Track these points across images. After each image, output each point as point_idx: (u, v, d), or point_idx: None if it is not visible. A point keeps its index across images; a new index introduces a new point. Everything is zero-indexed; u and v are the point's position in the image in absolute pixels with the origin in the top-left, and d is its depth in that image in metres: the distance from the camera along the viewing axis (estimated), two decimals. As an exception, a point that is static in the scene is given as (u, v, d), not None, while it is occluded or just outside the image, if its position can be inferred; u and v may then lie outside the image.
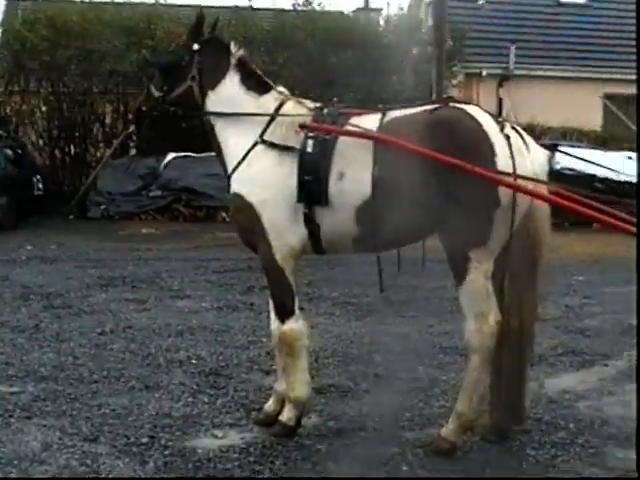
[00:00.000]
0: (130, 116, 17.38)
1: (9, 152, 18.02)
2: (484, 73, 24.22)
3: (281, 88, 5.51)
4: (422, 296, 9.88)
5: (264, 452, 5.01)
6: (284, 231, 5.10)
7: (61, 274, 11.31)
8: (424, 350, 7.39)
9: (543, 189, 4.86)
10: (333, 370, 6.75)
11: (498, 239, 4.76)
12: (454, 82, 22.43)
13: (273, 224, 5.10)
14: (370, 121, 5.04)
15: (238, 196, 5.22)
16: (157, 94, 5.53)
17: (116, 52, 19.42)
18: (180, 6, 22.09)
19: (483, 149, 4.70)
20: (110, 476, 4.62)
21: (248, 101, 5.35)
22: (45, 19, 20.19)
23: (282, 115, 5.25)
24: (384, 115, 5.06)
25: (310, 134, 5.07)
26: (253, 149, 5.21)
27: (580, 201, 4.76)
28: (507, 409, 5.14)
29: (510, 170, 4.67)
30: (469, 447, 5.12)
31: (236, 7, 21.71)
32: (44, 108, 21.47)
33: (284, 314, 5.20)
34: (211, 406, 5.86)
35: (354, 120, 5.09)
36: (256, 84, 5.44)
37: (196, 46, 5.44)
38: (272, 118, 5.25)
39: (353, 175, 4.93)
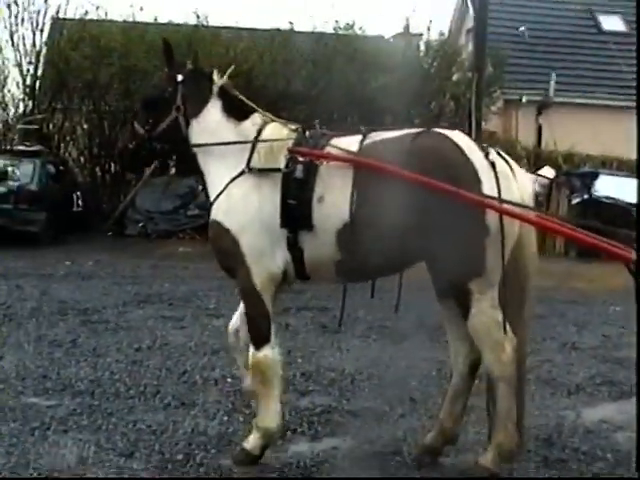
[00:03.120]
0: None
1: (51, 168, 18.26)
2: (524, 100, 24.17)
3: (259, 113, 5.39)
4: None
5: (303, 473, 5.01)
6: (264, 256, 5.01)
7: (98, 290, 11.40)
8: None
9: (530, 215, 4.81)
10: (369, 393, 6.72)
11: (496, 267, 4.67)
12: (493, 108, 22.39)
13: (252, 249, 5.01)
14: (350, 144, 4.97)
15: (216, 222, 5.18)
16: (142, 131, 5.42)
17: (157, 71, 19.58)
18: (221, 27, 22.27)
19: (467, 175, 4.65)
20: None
21: (228, 129, 5.27)
22: (89, 38, 20.47)
23: (260, 141, 5.15)
24: (364, 137, 4.98)
25: (292, 157, 5.00)
26: (236, 177, 5.13)
27: (565, 225, 4.85)
28: None
29: (495, 195, 4.62)
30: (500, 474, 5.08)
31: (277, 30, 21.86)
32: (86, 126, 21.77)
33: (259, 341, 5.09)
34: (246, 425, 5.82)
35: (335, 142, 5.02)
36: (237, 110, 5.35)
37: (180, 77, 5.35)
38: (254, 144, 5.17)
39: (333, 198, 4.85)
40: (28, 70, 22.46)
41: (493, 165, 4.69)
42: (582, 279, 14.46)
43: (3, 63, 23.36)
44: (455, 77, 22.07)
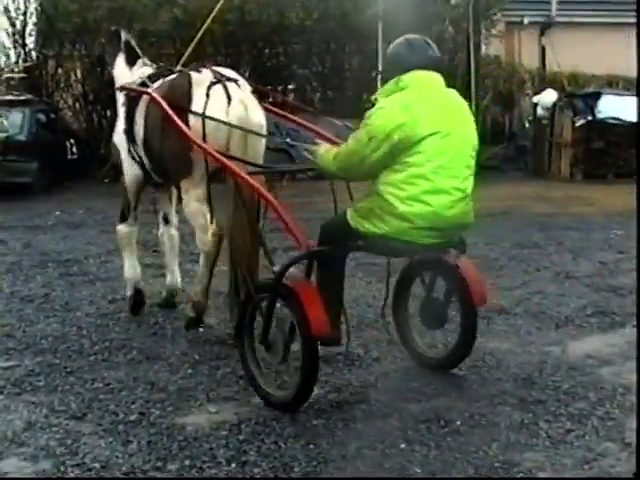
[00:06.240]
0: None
1: (42, 116, 17.90)
2: (525, 21, 23.39)
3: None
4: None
5: (256, 429, 4.72)
6: (129, 164, 6.96)
7: (84, 240, 11.13)
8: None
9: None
10: (344, 336, 6.40)
11: (200, 172, 6.13)
12: (494, 32, 21.69)
13: (124, 159, 7.00)
14: (157, 83, 6.70)
15: (112, 139, 7.18)
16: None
17: (147, 12, 19.07)
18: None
19: (185, 102, 6.23)
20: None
21: (125, 74, 7.16)
22: (76, -20, 19.92)
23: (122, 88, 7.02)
24: (164, 78, 6.71)
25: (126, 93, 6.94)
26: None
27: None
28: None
29: (201, 120, 6.08)
30: (472, 419, 4.80)
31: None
32: (79, 72, 21.32)
33: (120, 217, 7.27)
34: (210, 378, 5.59)
35: (156, 83, 6.72)
36: (132, 58, 7.23)
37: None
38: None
39: (139, 122, 6.67)
40: (17, 18, 22.04)
41: (208, 96, 6.15)
42: (582, 203, 14.02)
43: (-9, 12, 22.92)
44: (454, 0, 21.38)
